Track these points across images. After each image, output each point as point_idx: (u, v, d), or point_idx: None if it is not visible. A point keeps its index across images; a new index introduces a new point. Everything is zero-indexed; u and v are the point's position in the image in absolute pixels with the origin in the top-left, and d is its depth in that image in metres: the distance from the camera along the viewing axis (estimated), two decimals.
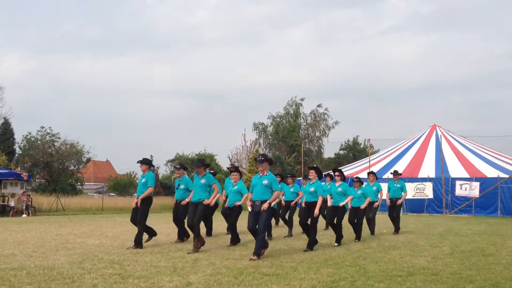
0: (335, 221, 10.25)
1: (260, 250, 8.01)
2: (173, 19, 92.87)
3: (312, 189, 9.29)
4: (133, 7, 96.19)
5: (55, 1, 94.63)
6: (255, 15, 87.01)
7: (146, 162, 9.65)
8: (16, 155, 37.53)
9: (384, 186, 13.77)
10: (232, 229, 10.11)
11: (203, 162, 9.53)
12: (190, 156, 47.68)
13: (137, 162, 9.69)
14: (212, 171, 12.08)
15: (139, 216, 9.20)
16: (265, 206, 8.02)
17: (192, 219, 8.98)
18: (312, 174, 9.51)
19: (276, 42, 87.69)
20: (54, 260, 7.39)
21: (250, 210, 8.24)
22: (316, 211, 9.10)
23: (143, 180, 9.39)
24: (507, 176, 24.06)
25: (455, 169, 26.03)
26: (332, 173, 11.57)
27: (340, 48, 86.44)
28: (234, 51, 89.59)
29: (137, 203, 9.21)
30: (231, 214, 10.37)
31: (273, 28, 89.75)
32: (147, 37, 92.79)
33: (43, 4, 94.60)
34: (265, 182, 8.18)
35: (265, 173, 8.33)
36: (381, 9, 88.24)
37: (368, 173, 13.03)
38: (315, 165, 9.75)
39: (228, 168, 12.03)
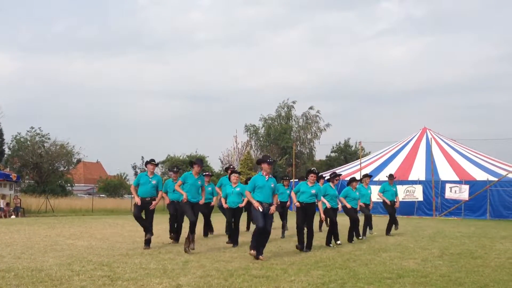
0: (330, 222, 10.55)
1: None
2: (167, 20, 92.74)
3: (313, 191, 9.40)
4: (126, 7, 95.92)
5: (47, 1, 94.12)
6: (249, 16, 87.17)
7: (157, 164, 9.79)
8: (5, 155, 37.18)
9: (376, 188, 13.88)
10: (235, 229, 10.33)
11: (202, 163, 9.57)
12: (181, 158, 47.47)
13: (149, 162, 9.60)
14: (210, 173, 12.24)
15: (150, 217, 9.52)
16: (273, 209, 8.27)
17: (195, 216, 9.01)
18: (314, 177, 9.54)
19: (270, 43, 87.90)
20: (43, 262, 7.33)
21: (261, 210, 8.14)
22: (323, 215, 9.74)
23: (154, 182, 9.47)
24: (496, 179, 24.26)
25: (445, 172, 26.21)
26: (325, 175, 11.75)
27: (333, 50, 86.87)
28: (227, 52, 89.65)
29: (150, 204, 9.39)
30: (234, 216, 10.51)
31: (267, 29, 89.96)
32: (140, 38, 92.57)
33: (35, 4, 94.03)
34: (272, 185, 8.36)
35: (270, 176, 8.45)
36: (375, 12, 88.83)
37: (365, 176, 13.08)
38: (315, 169, 9.86)
39: (228, 168, 11.98)
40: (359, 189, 12.24)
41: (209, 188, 11.56)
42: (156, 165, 9.84)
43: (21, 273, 6.35)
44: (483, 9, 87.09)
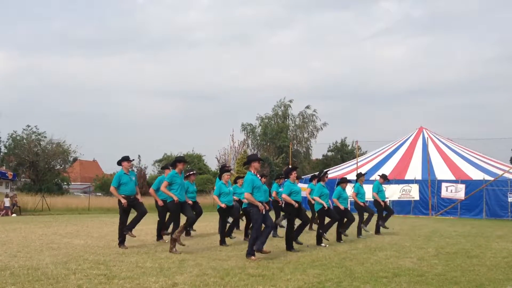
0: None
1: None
2: (165, 19, 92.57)
3: (303, 188, 9.43)
4: (124, 6, 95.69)
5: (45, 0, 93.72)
6: (247, 16, 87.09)
7: (132, 160, 9.69)
8: (1, 154, 37.09)
9: (369, 187, 13.87)
10: (223, 229, 10.29)
11: (186, 160, 9.50)
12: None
13: (125, 159, 9.39)
14: (194, 171, 12.10)
15: (143, 208, 9.31)
16: (267, 206, 8.47)
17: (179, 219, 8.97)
18: (296, 174, 9.56)
19: (268, 43, 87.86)
20: (39, 261, 7.31)
21: (263, 213, 8.10)
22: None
23: (134, 179, 9.40)
24: (492, 178, 24.33)
25: (441, 171, 26.25)
26: (318, 175, 11.71)
27: (331, 50, 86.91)
28: (225, 51, 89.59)
29: (135, 200, 9.27)
30: (231, 214, 10.53)
31: (264, 29, 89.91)
32: (138, 37, 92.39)
33: (32, 2, 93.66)
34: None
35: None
36: (373, 12, 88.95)
37: (361, 175, 12.98)
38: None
39: (225, 168, 11.56)
40: (359, 188, 12.24)
41: (194, 187, 11.38)
42: (131, 161, 9.69)
43: (17, 272, 6.34)
44: (481, 10, 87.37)
